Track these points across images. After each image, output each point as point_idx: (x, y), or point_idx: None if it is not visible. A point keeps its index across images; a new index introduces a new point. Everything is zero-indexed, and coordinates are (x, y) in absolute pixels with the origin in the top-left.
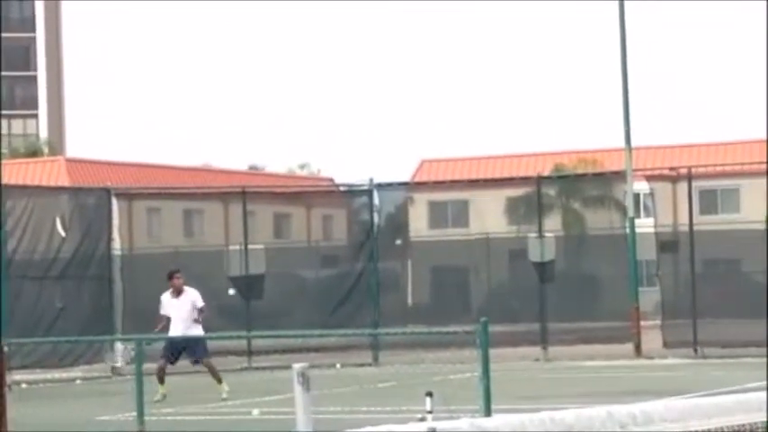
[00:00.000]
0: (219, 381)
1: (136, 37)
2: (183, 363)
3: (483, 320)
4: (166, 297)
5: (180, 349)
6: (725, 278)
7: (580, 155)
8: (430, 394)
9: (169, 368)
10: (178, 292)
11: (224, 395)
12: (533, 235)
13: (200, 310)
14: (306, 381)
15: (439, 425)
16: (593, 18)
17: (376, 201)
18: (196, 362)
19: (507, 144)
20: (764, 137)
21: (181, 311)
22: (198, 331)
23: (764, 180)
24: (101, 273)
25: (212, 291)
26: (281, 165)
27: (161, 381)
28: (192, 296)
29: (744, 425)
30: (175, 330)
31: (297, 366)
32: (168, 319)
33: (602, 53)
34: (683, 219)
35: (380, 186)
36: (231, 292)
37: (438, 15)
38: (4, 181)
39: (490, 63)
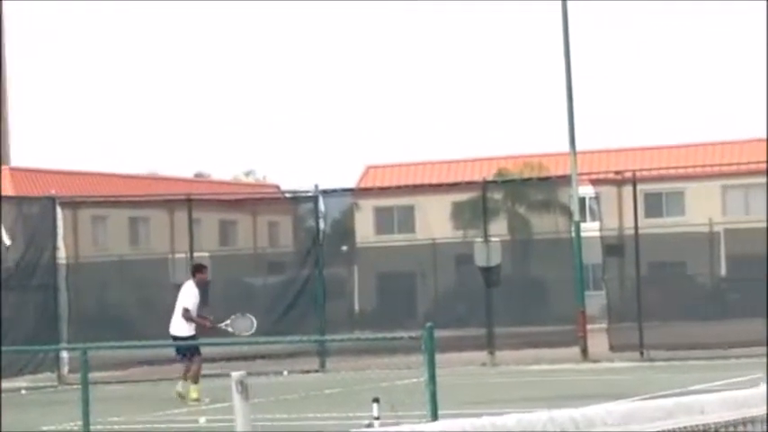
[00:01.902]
0: (187, 379)
1: (79, 43)
2: (134, 370)
3: (429, 326)
4: (193, 288)
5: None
6: (670, 281)
7: (525, 159)
8: (377, 400)
9: (115, 376)
10: (201, 285)
11: (180, 391)
12: (479, 240)
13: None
14: (244, 389)
15: (380, 431)
16: (535, 21)
17: (322, 207)
18: (189, 360)
19: (452, 149)
20: (708, 140)
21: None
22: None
23: (708, 183)
24: (46, 282)
25: (157, 299)
26: (226, 172)
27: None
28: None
29: (686, 427)
30: (192, 326)
31: (235, 375)
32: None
33: (546, 57)
34: (629, 222)
35: (326, 193)
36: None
37: (380, 20)
38: None
39: (433, 68)
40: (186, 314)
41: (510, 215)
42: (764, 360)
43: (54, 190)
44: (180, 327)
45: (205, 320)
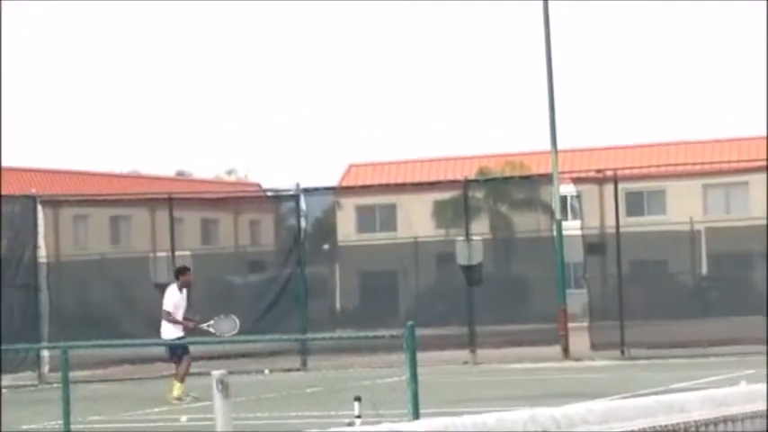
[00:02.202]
0: (182, 380)
1: (61, 42)
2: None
3: (410, 324)
4: (176, 291)
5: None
6: (651, 280)
7: (507, 158)
8: (358, 399)
9: (95, 375)
10: (183, 288)
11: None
12: (461, 238)
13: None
14: (225, 387)
15: (363, 429)
16: (517, 20)
17: (303, 206)
18: (178, 360)
19: (434, 148)
20: (690, 139)
21: (179, 308)
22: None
23: (690, 182)
24: (27, 280)
25: (138, 298)
26: (208, 171)
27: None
28: (185, 294)
29: (666, 425)
30: (177, 329)
31: (215, 373)
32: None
33: (527, 55)
34: (610, 221)
35: (308, 191)
36: None
37: (362, 19)
38: None
39: (415, 67)
40: (168, 317)
41: (491, 214)
42: (746, 359)
43: (35, 189)
44: (166, 330)
45: (188, 322)
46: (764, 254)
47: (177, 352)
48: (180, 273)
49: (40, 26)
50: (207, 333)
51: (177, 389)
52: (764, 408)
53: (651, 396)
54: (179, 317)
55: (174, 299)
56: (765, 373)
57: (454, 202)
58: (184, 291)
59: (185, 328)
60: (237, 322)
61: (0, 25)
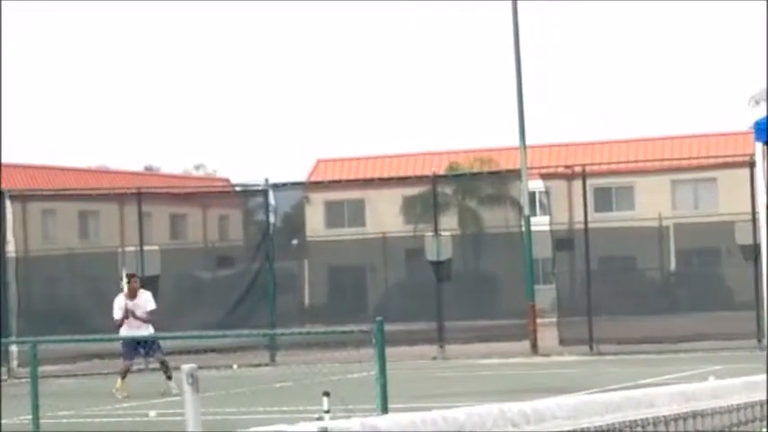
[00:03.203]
0: (170, 377)
1: (28, 35)
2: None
3: (379, 319)
4: (120, 300)
5: (134, 350)
6: (620, 275)
7: (475, 153)
8: (327, 394)
9: (64, 369)
10: (133, 295)
11: (174, 391)
12: (430, 234)
13: (151, 312)
14: (195, 381)
15: (330, 424)
16: (485, 15)
17: (272, 201)
18: (150, 357)
19: (402, 143)
20: (658, 135)
21: (137, 312)
22: (150, 330)
23: (658, 177)
24: None
25: (107, 293)
26: (176, 165)
27: (123, 377)
28: (145, 297)
29: (635, 420)
30: (131, 331)
31: (186, 367)
32: (123, 323)
33: (496, 50)
34: (579, 216)
35: (276, 186)
36: None
37: (330, 15)
38: None
39: (383, 61)
40: (114, 324)
41: (460, 209)
42: (715, 354)
43: (3, 183)
44: (147, 329)
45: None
46: (731, 250)
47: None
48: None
49: (8, 18)
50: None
51: (173, 388)
52: (732, 403)
53: (620, 391)
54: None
55: (116, 308)
56: (766, 366)
57: (423, 197)
58: (142, 294)
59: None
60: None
61: None
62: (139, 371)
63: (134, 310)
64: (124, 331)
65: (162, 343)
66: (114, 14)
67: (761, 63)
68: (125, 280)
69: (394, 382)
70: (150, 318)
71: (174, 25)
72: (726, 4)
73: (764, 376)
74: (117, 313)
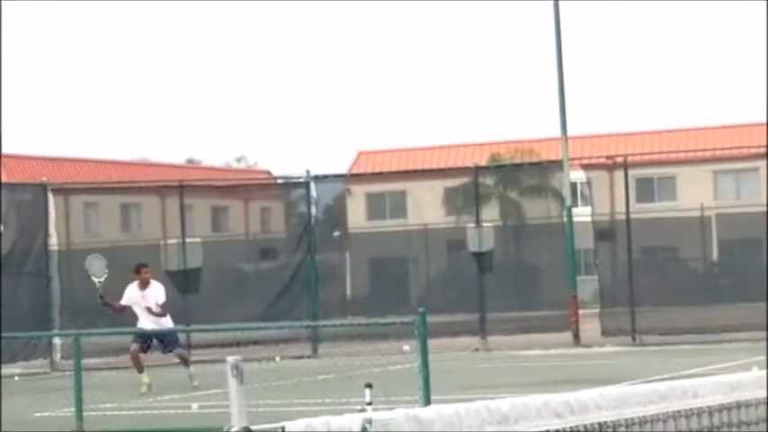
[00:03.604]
0: (188, 367)
1: (69, 30)
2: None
3: (421, 311)
4: (133, 288)
5: (149, 340)
6: (662, 266)
7: (517, 144)
8: (369, 386)
9: (107, 362)
10: (144, 285)
11: (195, 383)
12: (471, 225)
13: (163, 305)
14: (240, 373)
15: (375, 416)
16: (527, 6)
17: (313, 193)
18: (169, 351)
19: (443, 134)
20: (700, 125)
21: (148, 303)
22: (168, 323)
23: (700, 168)
24: (38, 268)
25: None
26: (218, 158)
27: (141, 370)
28: (156, 289)
29: (679, 411)
30: (146, 322)
31: (230, 359)
32: (123, 309)
33: (538, 41)
34: (620, 207)
35: (318, 178)
36: None
37: (372, 6)
38: None
39: (425, 53)
40: (114, 308)
41: (502, 200)
42: (758, 344)
43: (45, 177)
44: (166, 321)
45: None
46: None
47: (174, 343)
48: (136, 270)
49: (49, 13)
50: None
51: (195, 378)
52: None
53: (664, 382)
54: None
55: (125, 296)
56: (765, 359)
57: (464, 188)
58: (154, 286)
59: (113, 309)
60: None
61: (0, 12)
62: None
63: (143, 300)
64: (140, 324)
65: (207, 335)
66: (156, 8)
67: None
68: (138, 270)
69: (435, 373)
70: (163, 311)
71: (216, 17)
72: None
73: None
74: (123, 299)
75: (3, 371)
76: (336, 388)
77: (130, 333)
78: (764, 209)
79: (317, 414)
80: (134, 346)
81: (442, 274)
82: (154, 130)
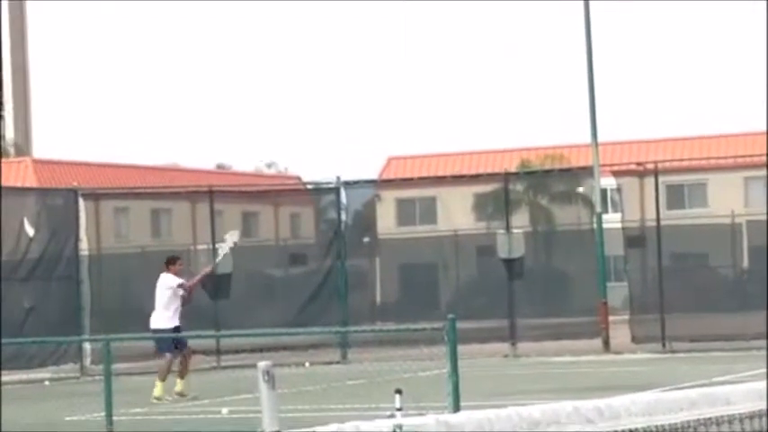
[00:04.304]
0: (183, 376)
1: (101, 36)
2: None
3: (451, 317)
4: (169, 278)
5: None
6: (692, 273)
7: (547, 151)
8: (399, 391)
9: (137, 367)
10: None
11: (187, 393)
12: (501, 231)
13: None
14: (271, 378)
15: (405, 421)
16: (558, 12)
17: (343, 199)
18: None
19: (474, 140)
20: (731, 131)
21: (179, 291)
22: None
23: (731, 174)
24: (68, 273)
25: None
26: (248, 163)
27: (164, 379)
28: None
29: (710, 418)
30: (174, 318)
31: (261, 364)
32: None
33: (568, 48)
34: (651, 214)
35: (348, 184)
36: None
37: (404, 11)
38: None
39: (456, 60)
40: (184, 287)
41: (532, 207)
42: None
43: (76, 182)
44: (159, 320)
45: (198, 278)
46: None
47: (173, 345)
48: (170, 262)
49: (79, 20)
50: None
51: (179, 385)
52: None
53: (695, 388)
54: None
55: (170, 283)
56: (766, 368)
57: (494, 194)
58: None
59: (195, 286)
60: (236, 232)
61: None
62: (212, 368)
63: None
64: (165, 322)
65: (237, 341)
66: (185, 13)
67: None
68: (171, 262)
69: (465, 379)
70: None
71: (249, 24)
72: None
73: None
74: (176, 281)
75: (33, 375)
76: (366, 393)
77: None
78: None
79: (347, 420)
80: (169, 356)
81: (472, 280)
82: (184, 135)
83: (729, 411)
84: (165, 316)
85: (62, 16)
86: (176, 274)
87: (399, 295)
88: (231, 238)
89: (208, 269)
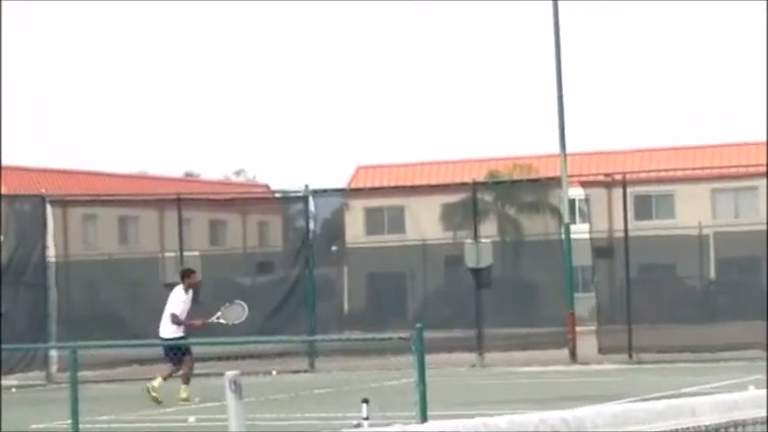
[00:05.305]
0: (187, 381)
1: (69, 42)
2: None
3: (418, 327)
4: (181, 293)
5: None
6: (660, 284)
7: (515, 161)
8: (366, 401)
9: (103, 375)
10: (188, 290)
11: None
12: (469, 241)
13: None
14: (238, 387)
15: (372, 431)
16: (527, 22)
17: (312, 207)
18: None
19: (442, 150)
20: (699, 143)
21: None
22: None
23: (698, 186)
24: (36, 280)
25: (147, 298)
26: (216, 171)
27: (166, 379)
28: (190, 296)
29: (676, 429)
30: (180, 331)
31: (229, 374)
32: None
33: (537, 58)
34: (619, 224)
35: (316, 193)
36: None
37: (371, 21)
38: None
39: (424, 70)
40: (175, 319)
41: (500, 217)
42: (755, 363)
43: (44, 188)
44: (166, 329)
45: (195, 322)
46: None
47: (176, 353)
48: (185, 275)
49: (46, 26)
50: (218, 327)
51: (184, 391)
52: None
53: (661, 400)
54: (183, 318)
55: (181, 302)
56: (765, 378)
57: (463, 204)
58: (190, 292)
59: (194, 328)
60: (245, 306)
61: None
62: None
63: (188, 304)
64: (175, 331)
65: (202, 349)
66: (156, 20)
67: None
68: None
69: (432, 389)
70: (204, 320)
71: (216, 31)
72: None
73: None
74: (178, 307)
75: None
76: (333, 402)
77: (127, 346)
78: (763, 227)
79: (314, 428)
80: (175, 368)
81: (440, 289)
82: (153, 143)
83: (695, 423)
84: (172, 327)
85: (29, 21)
86: (190, 286)
87: (367, 304)
88: (227, 317)
89: (213, 319)
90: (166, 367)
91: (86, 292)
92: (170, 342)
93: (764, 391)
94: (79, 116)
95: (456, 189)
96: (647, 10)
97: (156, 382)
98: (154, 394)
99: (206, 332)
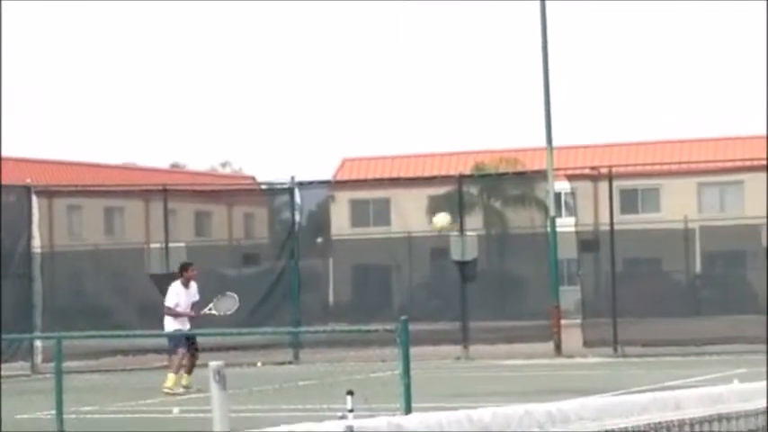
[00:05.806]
0: (190, 371)
1: (55, 32)
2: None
3: (403, 319)
4: (178, 286)
5: (182, 340)
6: (645, 277)
7: (501, 154)
8: (351, 393)
9: (88, 365)
10: (187, 284)
11: (192, 386)
12: (455, 234)
13: (196, 304)
14: (222, 378)
15: (357, 423)
16: (513, 15)
17: (297, 199)
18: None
19: (428, 143)
20: (685, 137)
21: (189, 301)
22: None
23: (684, 180)
24: (21, 270)
25: (132, 289)
26: (202, 163)
27: (178, 371)
28: (194, 289)
29: (660, 422)
30: (183, 322)
31: (213, 364)
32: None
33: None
34: (604, 218)
35: (302, 185)
36: None
37: (358, 13)
38: None
39: (411, 62)
40: (169, 312)
41: (486, 210)
42: (740, 357)
43: (29, 179)
44: (166, 323)
45: (188, 312)
46: (757, 253)
47: (177, 344)
48: (184, 269)
49: (33, 17)
50: (210, 318)
51: (169, 380)
52: (759, 407)
53: (646, 393)
54: (179, 311)
55: (175, 295)
56: (765, 370)
57: (448, 197)
58: (192, 285)
59: (190, 319)
60: (236, 298)
61: None
62: (164, 366)
63: (187, 298)
64: (172, 324)
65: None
66: (143, 11)
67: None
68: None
69: (417, 381)
70: (197, 311)
71: (200, 23)
72: (758, 5)
73: None
74: (172, 299)
75: None
76: (318, 394)
77: (111, 336)
78: (748, 222)
79: (298, 420)
80: (182, 350)
81: (425, 282)
82: (139, 134)
83: (679, 416)
84: (169, 320)
85: (15, 14)
86: (189, 279)
87: (352, 296)
88: (219, 308)
89: (206, 310)
90: (171, 362)
91: (72, 282)
92: (166, 334)
93: (751, 385)
94: (66, 107)
95: (442, 182)
96: (632, 3)
97: (169, 382)
98: (177, 390)
99: (192, 323)
